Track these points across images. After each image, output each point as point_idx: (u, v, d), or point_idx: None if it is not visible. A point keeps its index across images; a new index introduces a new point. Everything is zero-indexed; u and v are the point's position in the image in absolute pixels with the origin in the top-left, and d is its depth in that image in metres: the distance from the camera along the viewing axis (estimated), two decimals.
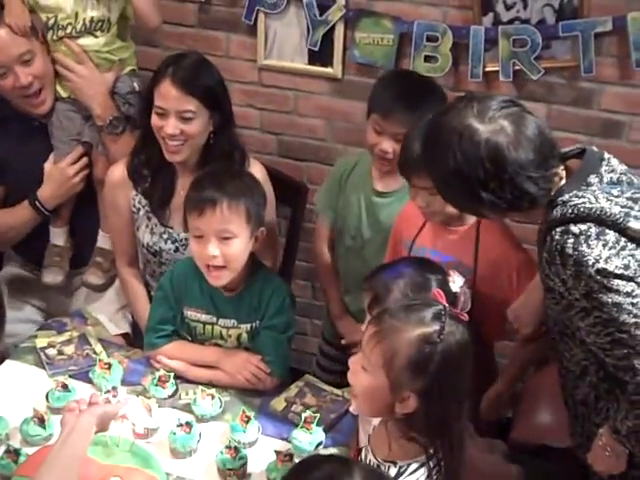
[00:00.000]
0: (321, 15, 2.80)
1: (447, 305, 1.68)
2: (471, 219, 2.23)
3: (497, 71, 2.67)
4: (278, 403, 2.20)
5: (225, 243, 2.16)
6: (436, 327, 1.61)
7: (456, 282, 2.03)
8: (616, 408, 1.87)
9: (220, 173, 2.25)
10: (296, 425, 2.10)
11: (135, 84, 2.67)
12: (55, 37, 2.56)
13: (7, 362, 2.30)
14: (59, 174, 2.62)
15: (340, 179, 2.61)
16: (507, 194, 1.76)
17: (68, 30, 2.54)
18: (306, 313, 3.23)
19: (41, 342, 2.35)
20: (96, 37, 2.56)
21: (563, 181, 1.83)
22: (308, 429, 2.06)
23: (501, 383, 2.35)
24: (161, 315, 2.31)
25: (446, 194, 1.90)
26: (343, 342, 2.65)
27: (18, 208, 2.65)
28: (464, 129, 1.75)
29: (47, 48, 2.58)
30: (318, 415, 2.08)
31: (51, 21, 2.54)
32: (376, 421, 1.85)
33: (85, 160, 2.65)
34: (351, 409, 2.17)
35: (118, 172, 2.51)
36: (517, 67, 2.65)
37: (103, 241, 2.74)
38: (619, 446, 1.86)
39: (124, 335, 2.66)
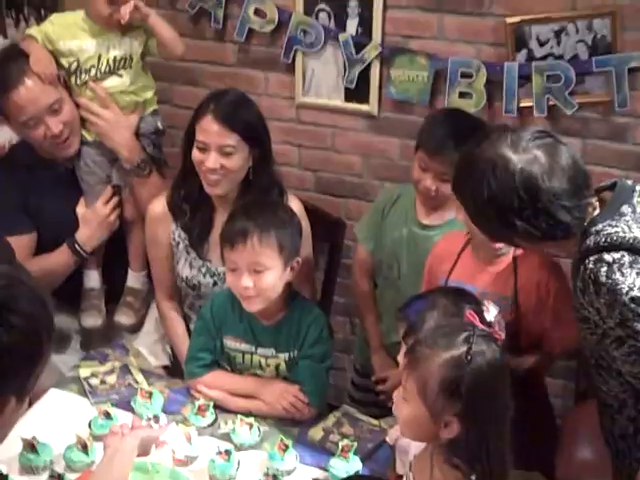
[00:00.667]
0: (357, 53, 2.86)
1: (479, 325, 1.70)
2: (508, 253, 2.25)
3: (531, 107, 2.70)
4: (316, 432, 2.22)
5: (258, 275, 2.19)
6: (464, 349, 1.63)
7: (491, 311, 2.04)
8: None
9: (253, 206, 2.29)
10: (333, 454, 2.12)
11: (159, 124, 2.73)
12: (79, 82, 2.59)
13: (52, 390, 2.35)
14: (95, 216, 2.67)
15: (383, 210, 2.65)
16: (541, 223, 1.79)
17: (92, 73, 2.58)
18: (344, 349, 3.24)
19: (84, 372, 2.40)
20: (120, 76, 2.60)
21: (597, 211, 1.85)
22: (345, 458, 2.08)
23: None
24: (201, 344, 2.35)
25: (481, 223, 1.93)
26: (373, 379, 2.66)
27: (56, 253, 2.67)
28: (498, 159, 1.79)
29: (69, 93, 2.61)
30: (355, 444, 2.10)
31: (73, 65, 2.57)
32: (414, 451, 1.87)
33: (117, 199, 2.70)
34: (388, 439, 2.19)
35: (159, 206, 2.57)
36: (551, 102, 2.68)
37: (133, 280, 2.80)
38: None
39: (164, 367, 2.70)
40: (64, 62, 2.59)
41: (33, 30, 2.62)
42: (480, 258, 2.29)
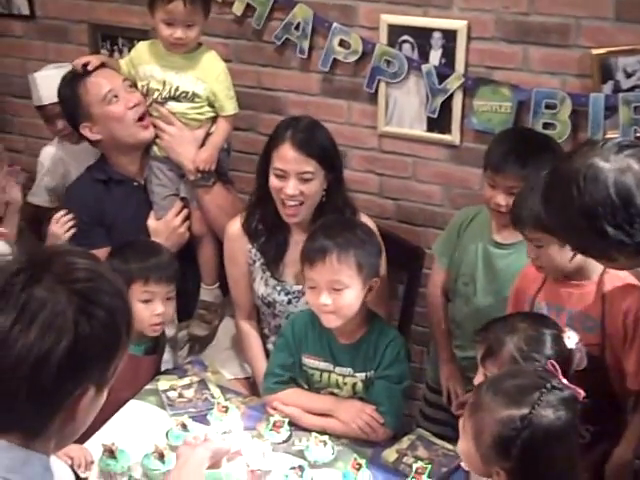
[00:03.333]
0: (440, 84, 2.89)
1: (559, 378, 1.67)
2: (594, 273, 2.22)
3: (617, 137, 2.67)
4: (390, 454, 2.21)
5: (337, 293, 2.21)
6: (525, 410, 1.59)
7: (571, 338, 2.02)
8: None
9: (332, 225, 2.32)
10: (407, 476, 2.10)
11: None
12: (146, 103, 2.76)
13: (131, 402, 2.41)
14: (165, 227, 2.76)
15: (459, 228, 2.68)
16: (637, 231, 1.73)
17: (155, 95, 2.73)
18: (420, 379, 3.22)
19: (163, 385, 2.45)
20: (180, 102, 2.73)
21: None
22: None
23: (626, 445, 2.23)
24: (281, 361, 2.37)
25: (572, 238, 1.89)
26: (444, 395, 2.67)
27: None
28: (588, 168, 1.76)
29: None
30: (429, 466, 2.08)
31: (144, 88, 2.75)
32: None
33: (187, 211, 2.80)
34: (463, 464, 2.16)
35: (235, 226, 2.63)
36: (638, 134, 2.64)
37: (205, 294, 2.87)
38: None
39: (244, 381, 2.73)
40: (139, 85, 2.77)
41: (122, 60, 2.85)
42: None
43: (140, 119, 2.74)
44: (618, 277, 2.22)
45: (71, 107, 2.78)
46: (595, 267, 2.21)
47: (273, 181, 2.49)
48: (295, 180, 2.44)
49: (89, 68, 2.74)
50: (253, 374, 2.72)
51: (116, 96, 2.71)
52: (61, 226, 2.76)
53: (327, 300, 2.20)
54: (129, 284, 2.32)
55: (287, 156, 2.44)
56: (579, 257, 2.13)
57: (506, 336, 1.98)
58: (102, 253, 2.72)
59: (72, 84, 2.74)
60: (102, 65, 2.78)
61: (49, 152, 3.15)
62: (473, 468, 1.73)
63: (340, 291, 2.20)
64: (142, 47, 2.81)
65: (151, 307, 2.39)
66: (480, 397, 1.66)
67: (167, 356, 2.84)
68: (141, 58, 2.77)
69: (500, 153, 2.46)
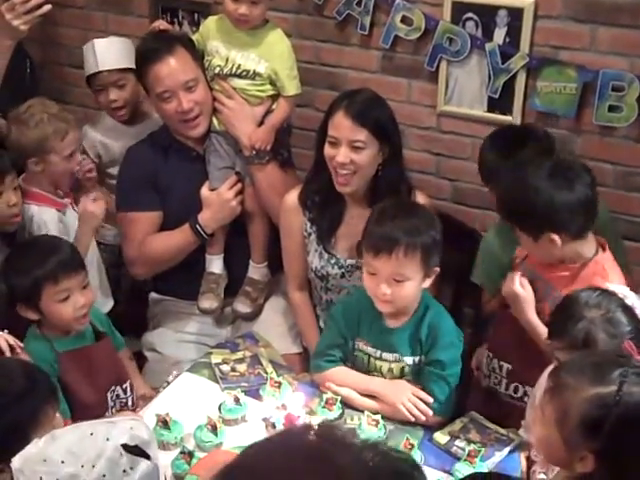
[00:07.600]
0: (503, 63, 2.83)
1: (635, 360, 1.63)
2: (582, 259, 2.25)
3: None
4: (441, 436, 2.19)
5: (397, 285, 2.18)
6: (613, 387, 1.55)
7: (629, 297, 1.98)
8: None
9: (397, 211, 2.25)
10: (459, 458, 2.09)
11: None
12: (209, 78, 2.75)
13: (185, 374, 2.43)
14: (218, 198, 2.75)
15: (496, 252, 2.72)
16: None
17: (216, 71, 2.72)
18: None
19: (216, 358, 2.46)
20: (242, 78, 2.70)
21: None
22: (471, 463, 2.04)
23: None
24: (331, 340, 2.36)
25: None
26: None
27: (178, 231, 2.77)
28: None
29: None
30: (482, 450, 2.06)
31: (207, 63, 2.74)
32: None
33: (240, 186, 2.78)
34: (532, 455, 2.09)
35: (292, 198, 2.63)
36: None
37: (253, 271, 2.87)
38: None
39: (296, 356, 2.74)
40: (206, 60, 2.75)
41: (195, 35, 2.84)
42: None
43: (188, 120, 2.72)
44: (601, 265, 2.24)
45: (138, 76, 2.80)
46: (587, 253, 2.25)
47: (327, 149, 2.49)
48: (346, 148, 2.43)
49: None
50: (306, 343, 2.73)
51: (171, 95, 2.69)
52: (99, 205, 2.69)
53: (387, 290, 2.17)
54: (39, 290, 2.24)
55: (340, 124, 2.44)
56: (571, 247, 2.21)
57: (592, 330, 1.89)
58: (151, 218, 2.79)
59: (144, 57, 2.71)
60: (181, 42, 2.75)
61: (86, 133, 3.08)
62: (551, 456, 1.68)
63: (401, 283, 2.17)
64: (210, 22, 2.80)
65: (71, 302, 2.26)
66: (561, 379, 1.62)
67: (213, 330, 2.86)
68: (209, 33, 2.75)
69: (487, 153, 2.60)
